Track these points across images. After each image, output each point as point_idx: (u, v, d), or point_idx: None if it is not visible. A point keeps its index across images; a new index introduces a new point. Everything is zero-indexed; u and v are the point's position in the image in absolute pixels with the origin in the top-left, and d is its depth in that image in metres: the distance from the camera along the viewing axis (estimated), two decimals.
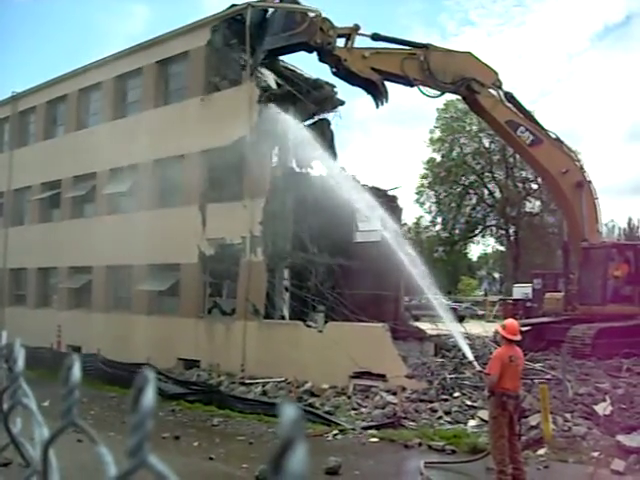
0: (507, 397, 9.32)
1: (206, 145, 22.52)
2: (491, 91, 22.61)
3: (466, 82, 21.83)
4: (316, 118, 24.83)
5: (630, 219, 71.57)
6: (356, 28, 20.81)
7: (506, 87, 23.04)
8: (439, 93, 22.55)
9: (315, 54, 20.68)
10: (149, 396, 0.83)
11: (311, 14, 20.15)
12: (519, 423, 10.31)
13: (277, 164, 21.79)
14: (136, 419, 0.83)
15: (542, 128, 23.30)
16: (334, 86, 23.72)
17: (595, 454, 10.78)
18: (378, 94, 21.69)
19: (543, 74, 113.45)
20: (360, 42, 20.95)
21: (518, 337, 9.71)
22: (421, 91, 21.97)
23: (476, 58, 22.47)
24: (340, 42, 20.59)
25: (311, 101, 22.50)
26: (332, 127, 25.00)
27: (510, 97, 23.00)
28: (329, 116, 25.28)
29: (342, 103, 25.36)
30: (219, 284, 23.35)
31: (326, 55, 20.59)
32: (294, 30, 19.97)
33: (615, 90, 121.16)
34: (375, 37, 21.26)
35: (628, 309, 21.76)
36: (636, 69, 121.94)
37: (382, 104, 21.87)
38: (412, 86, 21.82)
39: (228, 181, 21.96)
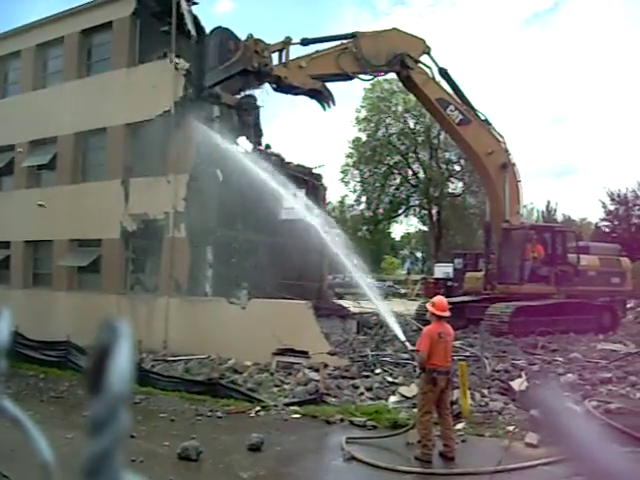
0: (437, 373, 9.49)
1: (130, 118, 22.12)
2: (424, 68, 23.03)
3: (399, 58, 22.06)
4: (242, 94, 24.60)
5: (549, 202, 73.45)
6: (288, 41, 20.76)
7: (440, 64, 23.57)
8: (371, 77, 22.93)
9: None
10: (2, 332, 0.78)
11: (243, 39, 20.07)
12: (451, 398, 10.58)
13: (202, 140, 21.51)
14: None
15: (472, 108, 23.74)
16: None
17: (510, 428, 11.09)
18: (323, 98, 21.83)
19: (473, 56, 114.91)
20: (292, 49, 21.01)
21: (447, 314, 9.89)
22: (360, 79, 22.37)
23: (402, 32, 22.73)
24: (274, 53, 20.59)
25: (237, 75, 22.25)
26: (258, 103, 24.83)
27: (444, 73, 23.37)
28: (255, 92, 25.11)
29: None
30: (142, 260, 23.02)
31: (265, 76, 20.53)
32: (230, 60, 19.71)
33: (542, 75, 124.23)
34: (304, 42, 21.25)
35: (544, 289, 22.44)
36: (562, 55, 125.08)
37: (329, 107, 22.07)
38: (352, 79, 22.13)
39: (152, 156, 21.61)
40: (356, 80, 22.42)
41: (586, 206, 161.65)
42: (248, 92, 23.24)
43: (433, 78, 23.20)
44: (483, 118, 24.07)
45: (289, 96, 21.84)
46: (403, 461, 9.43)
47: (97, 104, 22.93)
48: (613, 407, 11.71)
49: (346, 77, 22.07)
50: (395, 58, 22.11)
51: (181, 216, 20.67)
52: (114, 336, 0.58)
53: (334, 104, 22.01)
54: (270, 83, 20.85)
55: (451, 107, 23.20)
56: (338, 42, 21.85)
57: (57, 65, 26.17)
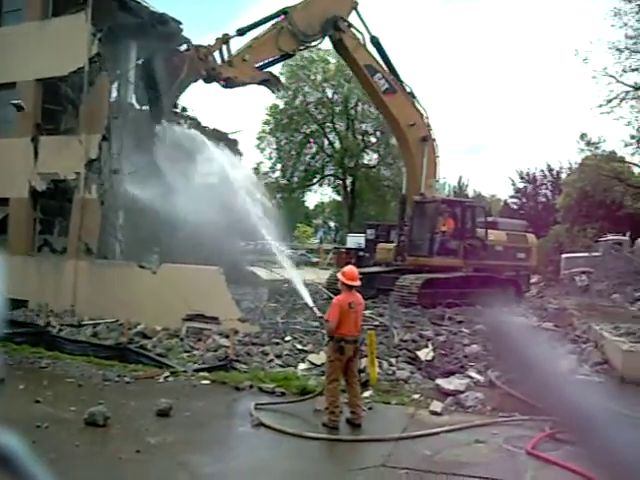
0: (345, 342, 9.59)
1: (41, 74, 21.28)
2: (356, 33, 23.55)
3: (331, 21, 22.37)
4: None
5: (460, 177, 75.16)
6: (226, 38, 20.79)
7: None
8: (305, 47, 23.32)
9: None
10: None
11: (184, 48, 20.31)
12: (359, 367, 10.75)
13: (116, 99, 20.99)
14: None
15: (399, 79, 24.33)
16: (180, 22, 23.02)
17: (416, 396, 11.37)
18: (271, 84, 22.20)
19: (395, 29, 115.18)
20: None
21: (357, 283, 9.99)
22: (301, 50, 23.04)
23: None
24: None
25: (155, 37, 21.75)
26: None
27: (376, 42, 23.76)
28: None
29: (188, 41, 24.73)
30: (51, 221, 22.40)
31: (214, 79, 20.60)
32: (180, 76, 19.76)
33: (460, 53, 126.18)
34: (241, 32, 21.40)
35: (452, 262, 22.96)
36: (478, 34, 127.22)
37: (279, 90, 22.46)
38: (294, 56, 22.74)
39: (64, 114, 20.96)
40: None
41: (496, 183, 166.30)
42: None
43: (364, 45, 23.56)
44: (409, 90, 24.61)
45: None
46: (310, 427, 9.55)
47: (6, 57, 21.96)
48: (514, 377, 12.13)
49: (288, 56, 22.87)
50: (327, 22, 22.39)
51: (92, 177, 20.16)
52: None
53: (283, 88, 22.41)
54: (218, 82, 20.75)
55: (378, 75, 23.70)
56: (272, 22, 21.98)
57: None
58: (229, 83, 20.82)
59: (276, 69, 23.65)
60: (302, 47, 23.14)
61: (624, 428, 0.86)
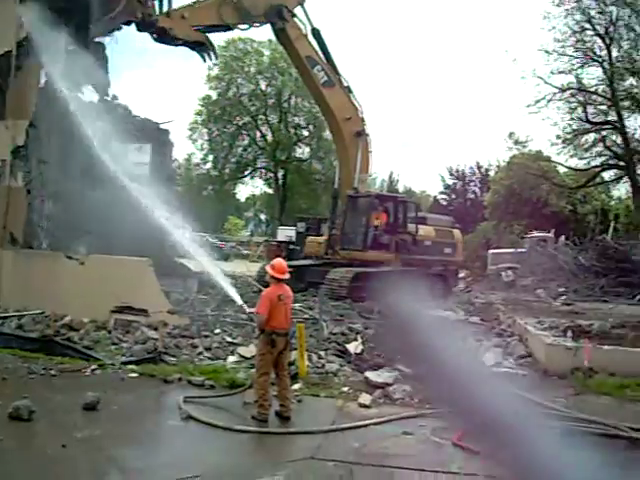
0: (276, 335, 9.62)
1: None
2: (299, 23, 23.76)
3: (276, 9, 22.58)
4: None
5: (391, 172, 76.12)
6: None
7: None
8: (248, 27, 23.20)
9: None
10: None
11: None
12: (289, 359, 10.78)
13: (45, 85, 20.48)
14: None
15: (337, 73, 24.51)
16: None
17: (345, 389, 11.48)
18: (204, 50, 21.95)
19: (326, 20, 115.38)
20: None
21: (286, 276, 10.03)
22: (239, 29, 23.06)
23: None
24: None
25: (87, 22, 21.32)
26: (107, 52, 23.92)
27: (317, 34, 23.94)
28: (105, 40, 24.14)
29: (119, 28, 24.32)
30: None
31: (148, 27, 20.19)
32: (114, 10, 19.22)
33: (397, 45, 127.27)
34: None
35: (384, 256, 23.19)
36: (416, 30, 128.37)
37: (211, 59, 22.30)
38: (231, 30, 22.57)
39: None
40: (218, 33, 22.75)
41: (426, 179, 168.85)
42: (97, 40, 22.38)
43: (306, 35, 23.66)
44: (346, 84, 24.83)
45: (146, 46, 21.54)
46: (240, 420, 9.54)
47: None
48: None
49: (226, 28, 22.61)
50: (272, 9, 22.47)
51: (19, 164, 19.65)
52: None
53: (216, 57, 22.24)
54: (151, 34, 20.40)
55: (318, 67, 23.92)
56: None
57: None
58: (162, 36, 20.51)
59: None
60: (244, 26, 23.06)
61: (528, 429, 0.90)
